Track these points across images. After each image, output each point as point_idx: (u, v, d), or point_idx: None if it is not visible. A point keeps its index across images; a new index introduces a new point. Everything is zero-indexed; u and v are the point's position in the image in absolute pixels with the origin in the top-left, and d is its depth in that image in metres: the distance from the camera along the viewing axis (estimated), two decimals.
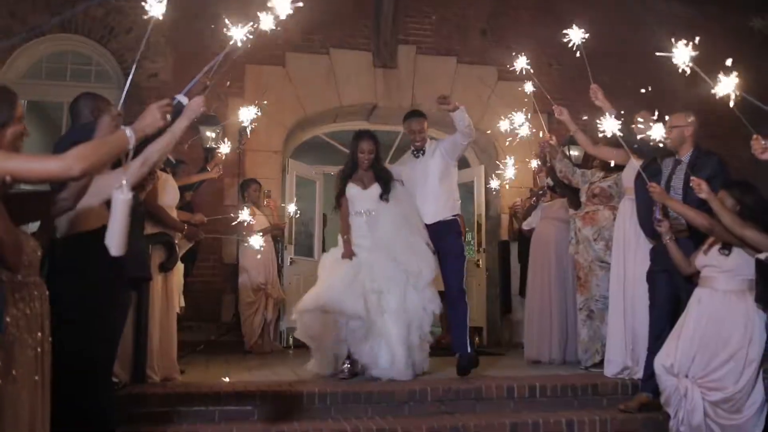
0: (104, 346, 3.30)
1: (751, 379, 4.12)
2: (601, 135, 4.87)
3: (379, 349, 5.05)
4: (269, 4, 3.29)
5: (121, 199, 2.71)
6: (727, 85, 3.29)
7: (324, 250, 9.21)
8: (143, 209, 4.47)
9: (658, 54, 3.65)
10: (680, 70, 3.56)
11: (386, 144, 9.27)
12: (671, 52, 3.57)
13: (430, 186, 5.62)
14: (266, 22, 3.32)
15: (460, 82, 8.65)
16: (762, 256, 4.00)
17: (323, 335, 5.18)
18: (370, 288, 5.14)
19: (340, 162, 10.00)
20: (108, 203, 2.81)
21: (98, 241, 2.77)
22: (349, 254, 5.30)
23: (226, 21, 3.35)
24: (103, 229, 2.75)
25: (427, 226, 5.51)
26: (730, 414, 4.16)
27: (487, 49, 8.80)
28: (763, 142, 3.51)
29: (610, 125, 4.42)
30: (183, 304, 6.40)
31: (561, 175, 6.13)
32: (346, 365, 5.16)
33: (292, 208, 7.76)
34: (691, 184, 4.30)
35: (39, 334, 2.53)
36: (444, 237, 5.54)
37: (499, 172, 7.13)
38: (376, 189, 5.46)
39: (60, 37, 8.09)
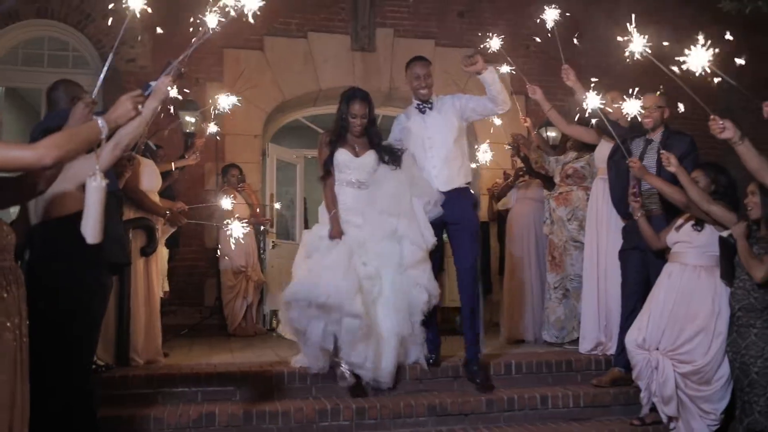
0: (85, 330, 3.35)
1: (719, 352, 4.25)
2: (577, 116, 5.01)
3: (368, 349, 4.42)
4: None
5: (94, 187, 2.74)
6: (698, 59, 3.29)
7: None
8: (123, 194, 4.51)
9: (619, 39, 3.73)
10: (635, 58, 3.67)
11: None
12: (631, 37, 3.68)
13: (443, 146, 4.88)
14: (243, 8, 3.37)
15: (438, 64, 8.67)
16: (725, 233, 4.13)
17: (311, 329, 4.45)
18: (364, 274, 4.51)
19: None
20: (84, 188, 2.85)
21: (75, 226, 2.80)
22: (338, 233, 4.58)
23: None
24: (80, 214, 2.78)
25: (440, 193, 4.84)
26: (699, 385, 4.30)
27: (465, 31, 8.84)
28: (720, 122, 3.59)
29: (592, 101, 4.56)
30: (167, 288, 6.46)
31: (536, 165, 6.25)
32: (346, 369, 4.52)
33: (277, 205, 7.86)
34: (662, 160, 4.41)
35: (17, 318, 2.59)
36: (458, 207, 4.83)
37: (476, 155, 7.21)
38: (370, 157, 4.72)
39: (36, 22, 8.05)
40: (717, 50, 3.27)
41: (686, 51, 3.31)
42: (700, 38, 3.29)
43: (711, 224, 4.32)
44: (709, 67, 3.26)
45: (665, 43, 3.62)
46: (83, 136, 2.64)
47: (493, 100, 4.84)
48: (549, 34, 4.83)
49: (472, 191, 5.09)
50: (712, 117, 3.59)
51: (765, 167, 3.61)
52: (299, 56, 8.50)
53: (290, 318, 4.50)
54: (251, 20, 3.35)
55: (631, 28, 3.70)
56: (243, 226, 5.25)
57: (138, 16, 3.21)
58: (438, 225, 4.82)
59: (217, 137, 7.30)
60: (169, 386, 4.51)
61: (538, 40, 5.08)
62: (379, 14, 8.71)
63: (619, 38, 3.73)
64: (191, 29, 3.50)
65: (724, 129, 3.55)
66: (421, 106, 4.93)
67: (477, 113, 5.02)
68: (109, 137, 2.92)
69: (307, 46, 8.53)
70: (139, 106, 2.92)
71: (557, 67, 5.16)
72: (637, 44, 3.70)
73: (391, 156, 4.75)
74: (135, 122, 3.12)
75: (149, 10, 3.27)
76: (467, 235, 4.83)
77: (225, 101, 5.56)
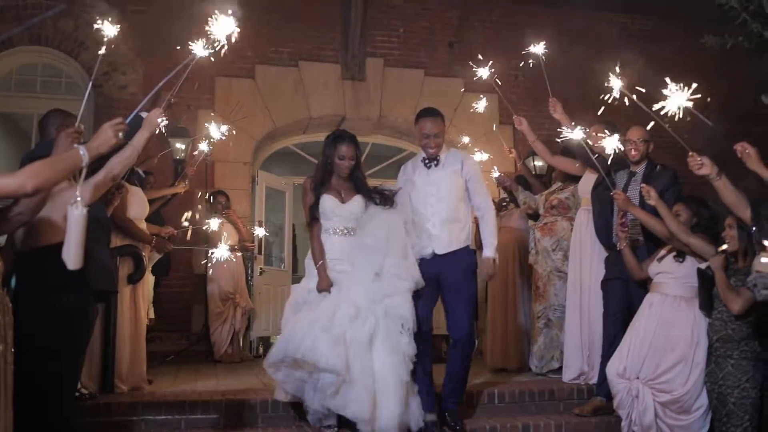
0: (69, 359, 3.38)
1: (698, 382, 4.31)
2: (561, 143, 5.10)
3: (361, 401, 3.97)
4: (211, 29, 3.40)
5: (76, 215, 2.78)
6: (675, 101, 3.41)
7: (295, 259, 9.37)
8: (110, 222, 4.55)
9: (607, 82, 3.85)
10: (614, 100, 3.78)
11: None
12: (611, 80, 3.80)
13: (446, 204, 4.56)
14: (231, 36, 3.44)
15: (427, 94, 8.81)
16: (702, 265, 4.20)
17: (305, 396, 4.19)
18: (351, 320, 4.10)
19: (310, 172, 10.23)
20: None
21: (60, 254, 2.85)
22: (326, 285, 4.25)
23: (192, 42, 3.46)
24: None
25: (436, 257, 4.50)
26: (678, 414, 4.36)
27: (454, 61, 8.97)
28: (699, 159, 3.68)
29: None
30: (153, 315, 6.48)
31: (524, 206, 6.33)
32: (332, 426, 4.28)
33: (260, 231, 7.89)
34: (642, 192, 4.51)
35: (2, 345, 2.63)
36: (453, 270, 4.50)
37: None
38: (357, 203, 4.43)
39: (31, 49, 8.15)
40: (693, 91, 3.36)
41: (665, 92, 3.41)
42: (671, 84, 3.40)
43: (691, 256, 4.39)
44: (685, 108, 3.35)
45: (642, 90, 3.74)
46: (64, 164, 2.71)
47: (480, 217, 4.67)
48: (532, 66, 4.92)
49: (472, 249, 4.64)
50: (690, 154, 3.70)
51: (741, 202, 3.70)
52: (290, 84, 8.60)
53: (279, 381, 4.30)
54: (228, 43, 3.41)
55: (614, 75, 3.83)
56: (228, 251, 5.27)
57: (107, 42, 3.28)
58: (433, 284, 4.47)
59: (206, 161, 7.35)
60: (153, 413, 4.50)
61: (525, 78, 5.08)
62: (369, 44, 8.83)
63: (608, 81, 3.87)
64: (183, 59, 3.56)
65: (702, 165, 3.64)
66: (426, 162, 4.63)
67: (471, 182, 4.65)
68: (95, 166, 2.98)
69: (298, 74, 8.63)
70: (120, 134, 2.99)
71: (546, 97, 5.23)
72: (616, 85, 3.84)
73: (382, 196, 4.47)
74: (126, 152, 3.19)
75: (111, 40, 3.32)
76: (463, 302, 4.49)
77: (216, 131, 5.63)
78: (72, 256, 2.81)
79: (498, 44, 8.65)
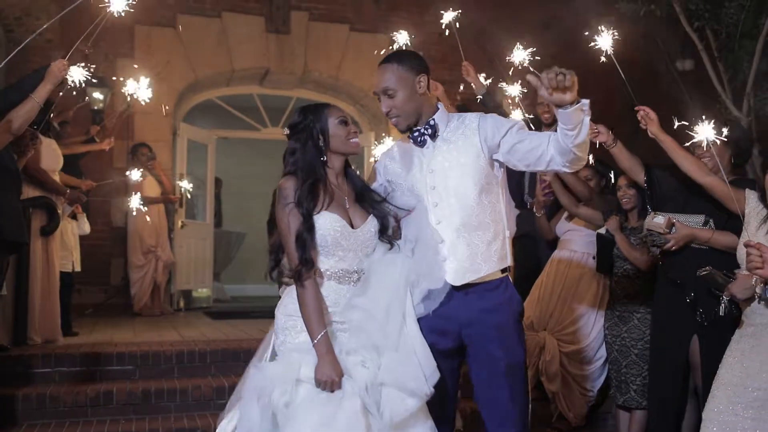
0: None
1: (599, 334, 4.57)
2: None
3: None
4: None
5: None
6: (605, 42, 3.41)
7: (218, 214, 9.34)
8: (20, 173, 4.47)
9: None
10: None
11: (278, 109, 9.39)
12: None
13: (458, 201, 2.70)
14: None
15: (351, 49, 8.80)
16: (602, 230, 4.40)
17: None
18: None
19: (234, 125, 10.28)
20: None
21: None
22: (339, 373, 2.47)
23: None
24: None
25: (451, 295, 2.67)
26: (582, 365, 4.62)
27: (380, 17, 8.95)
28: (595, 127, 3.74)
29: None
30: (79, 268, 6.24)
31: None
32: None
33: (185, 184, 7.85)
34: None
35: None
36: (482, 319, 2.67)
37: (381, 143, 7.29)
38: (372, 229, 2.70)
39: None
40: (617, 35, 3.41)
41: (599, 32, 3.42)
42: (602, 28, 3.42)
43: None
44: (611, 54, 3.38)
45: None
46: None
47: (562, 150, 2.55)
48: (447, 32, 4.86)
49: (511, 285, 2.81)
50: (637, 107, 3.82)
51: (636, 167, 3.90)
52: (213, 35, 8.44)
53: None
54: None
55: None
56: (142, 203, 5.21)
57: None
58: (447, 351, 2.71)
59: (126, 113, 7.21)
60: (67, 365, 4.53)
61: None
62: None
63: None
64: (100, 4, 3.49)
65: (598, 133, 3.80)
66: (418, 137, 2.77)
67: (528, 161, 2.71)
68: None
69: (221, 25, 8.48)
70: None
71: (470, 54, 5.15)
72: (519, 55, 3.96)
73: (383, 221, 2.75)
74: (27, 105, 3.15)
75: None
76: (498, 375, 2.67)
77: (144, 91, 5.49)
78: None
79: (423, 1, 8.67)
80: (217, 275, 9.90)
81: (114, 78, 6.53)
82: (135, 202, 5.22)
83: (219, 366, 4.68)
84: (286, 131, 2.71)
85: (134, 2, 3.45)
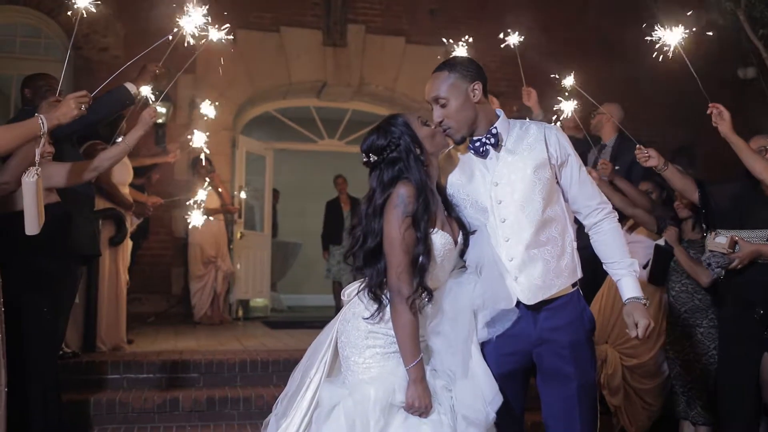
0: (54, 318, 3.48)
1: (661, 350, 4.49)
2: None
3: None
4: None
5: (27, 183, 2.87)
6: (673, 36, 3.25)
7: (275, 225, 9.47)
8: (95, 187, 4.62)
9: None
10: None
11: (334, 121, 9.49)
12: None
13: (526, 215, 2.54)
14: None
15: (408, 62, 8.86)
16: (660, 241, 4.34)
17: None
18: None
19: (291, 137, 10.40)
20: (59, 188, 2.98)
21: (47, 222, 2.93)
22: (428, 401, 2.38)
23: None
24: (49, 207, 2.93)
25: (521, 314, 2.54)
26: (644, 378, 4.54)
27: (436, 29, 8.96)
28: (645, 151, 3.79)
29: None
30: (128, 278, 6.49)
31: None
32: None
33: (243, 194, 8.00)
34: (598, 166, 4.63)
35: None
36: (554, 340, 2.54)
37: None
38: (462, 242, 2.57)
39: (9, 8, 8.03)
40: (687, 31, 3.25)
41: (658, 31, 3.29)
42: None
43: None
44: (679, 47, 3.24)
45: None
46: (21, 131, 2.85)
47: (594, 228, 2.71)
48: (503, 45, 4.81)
49: (582, 298, 2.68)
50: (637, 147, 3.82)
51: (689, 186, 3.88)
52: (271, 50, 8.59)
53: None
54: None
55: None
56: (205, 216, 5.30)
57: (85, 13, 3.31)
58: (515, 371, 2.60)
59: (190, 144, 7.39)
60: (135, 372, 4.64)
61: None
62: (351, 10, 8.82)
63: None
64: (168, 22, 3.59)
65: (648, 158, 3.76)
66: (479, 143, 2.61)
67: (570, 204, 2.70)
68: (57, 134, 3.04)
69: (280, 39, 8.62)
70: (83, 106, 3.01)
71: (530, 69, 5.10)
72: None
73: (467, 237, 2.61)
74: (118, 149, 3.30)
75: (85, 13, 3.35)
76: (570, 396, 2.55)
77: (208, 109, 5.65)
78: (27, 223, 2.89)
79: (480, 11, 8.68)
80: (274, 285, 10.03)
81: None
82: (197, 219, 5.32)
83: (280, 375, 4.73)
84: (373, 157, 2.49)
85: (204, 27, 3.52)
